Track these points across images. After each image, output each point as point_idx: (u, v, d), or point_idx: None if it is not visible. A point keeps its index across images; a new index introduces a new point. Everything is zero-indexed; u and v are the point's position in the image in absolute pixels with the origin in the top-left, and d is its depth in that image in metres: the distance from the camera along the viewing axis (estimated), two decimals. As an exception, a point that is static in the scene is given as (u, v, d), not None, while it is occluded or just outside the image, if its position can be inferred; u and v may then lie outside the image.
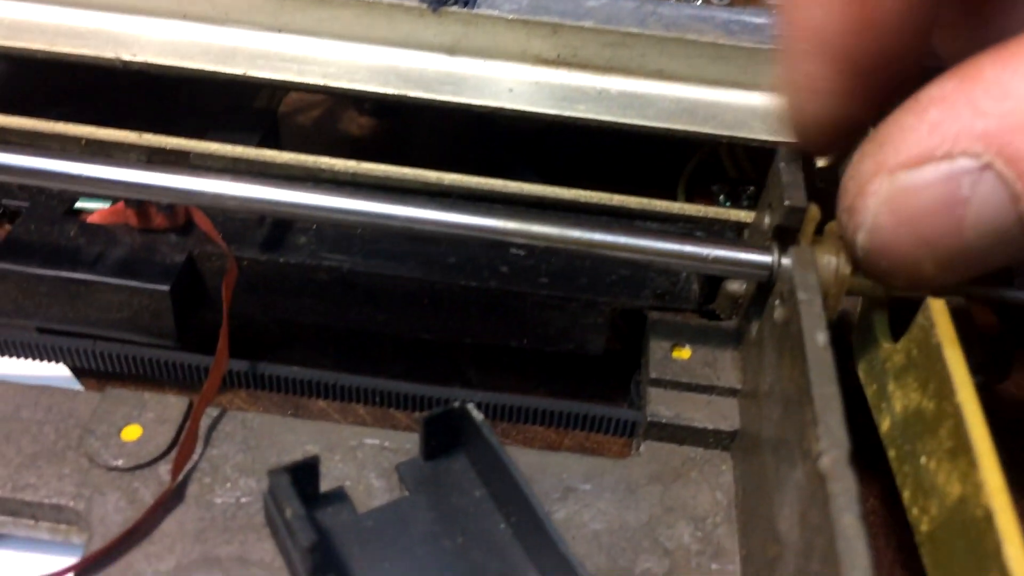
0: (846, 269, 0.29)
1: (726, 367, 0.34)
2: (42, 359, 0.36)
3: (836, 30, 0.26)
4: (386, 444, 0.32)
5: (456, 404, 0.30)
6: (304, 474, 0.28)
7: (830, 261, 0.29)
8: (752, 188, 0.42)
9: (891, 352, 0.30)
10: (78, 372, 0.38)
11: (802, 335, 0.26)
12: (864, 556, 0.21)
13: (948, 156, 0.24)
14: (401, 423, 0.38)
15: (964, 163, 0.24)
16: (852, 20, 0.26)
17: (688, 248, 0.31)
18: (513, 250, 0.37)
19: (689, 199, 0.44)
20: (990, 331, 0.35)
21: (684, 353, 0.34)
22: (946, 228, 0.25)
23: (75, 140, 0.35)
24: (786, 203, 0.29)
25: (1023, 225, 0.24)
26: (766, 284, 0.31)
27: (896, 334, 0.31)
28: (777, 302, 0.29)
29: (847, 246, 0.28)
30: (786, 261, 0.30)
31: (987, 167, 0.24)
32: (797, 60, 0.27)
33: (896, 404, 0.29)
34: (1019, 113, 0.23)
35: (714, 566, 0.30)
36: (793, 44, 0.27)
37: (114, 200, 0.36)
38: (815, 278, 0.28)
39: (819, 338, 0.26)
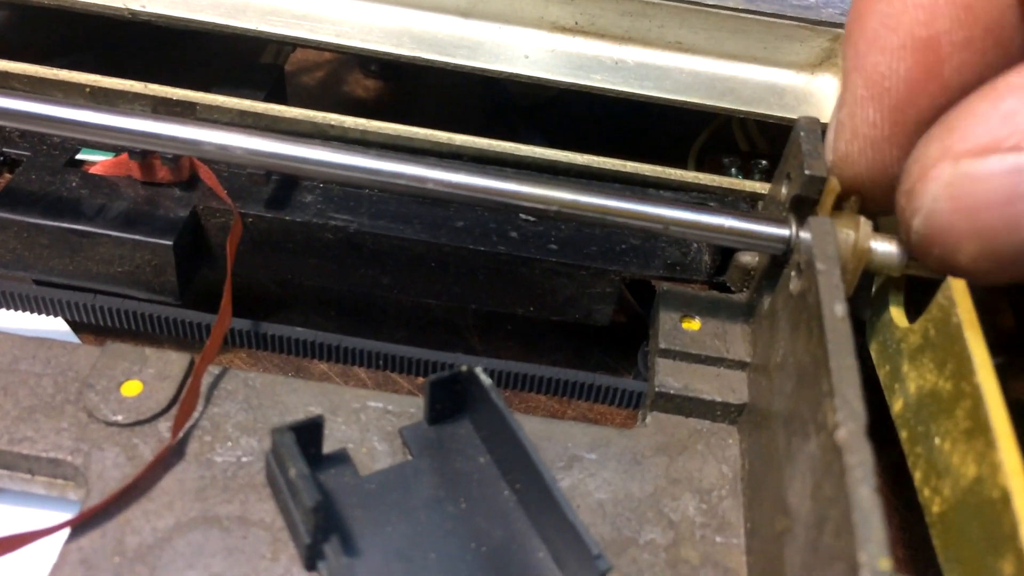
0: (865, 244, 0.29)
1: (736, 340, 0.33)
2: (39, 312, 0.35)
3: (899, 80, 0.26)
4: (389, 407, 0.31)
5: (463, 368, 0.29)
6: (308, 434, 0.28)
7: (849, 235, 0.28)
8: (764, 162, 0.42)
9: (906, 332, 0.30)
10: (76, 326, 0.37)
11: (820, 306, 0.26)
12: (879, 528, 0.21)
13: (1016, 148, 0.23)
14: (402, 388, 0.38)
15: None
16: (917, 72, 0.25)
17: (704, 218, 0.30)
18: (522, 216, 0.36)
19: (699, 171, 0.43)
20: (1008, 331, 0.35)
21: (694, 324, 0.34)
22: (1005, 222, 0.24)
23: (80, 89, 0.34)
24: (806, 172, 0.29)
25: None
26: (782, 256, 0.30)
27: (910, 317, 0.30)
28: (793, 273, 0.29)
29: (903, 229, 0.27)
30: (804, 233, 0.29)
31: None
32: (854, 104, 0.27)
33: (910, 385, 0.29)
34: None
35: (718, 539, 0.29)
36: (853, 88, 0.27)
37: (117, 151, 0.35)
38: (834, 248, 0.27)
39: (837, 309, 0.25)
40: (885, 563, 0.20)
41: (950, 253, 0.26)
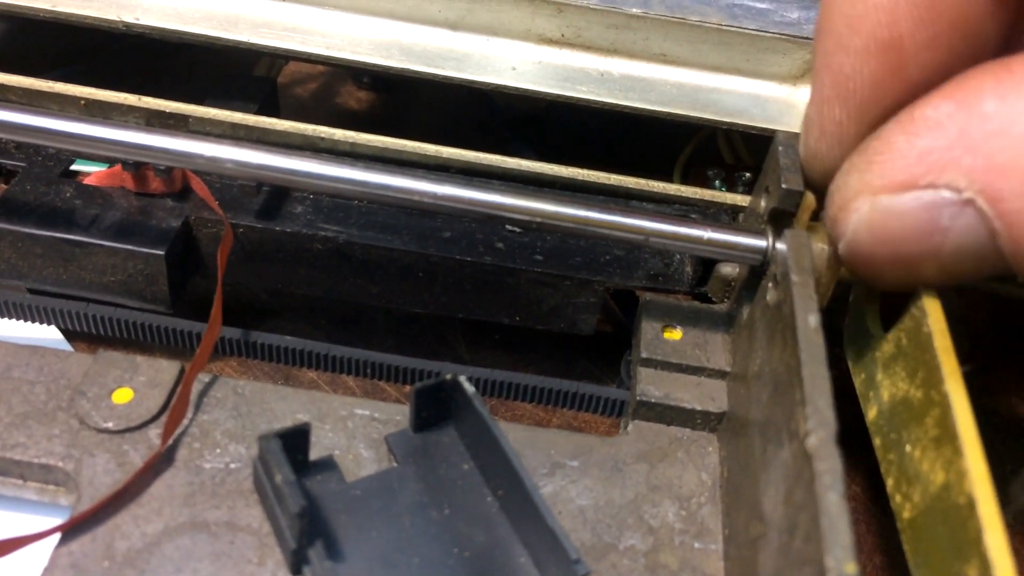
0: (837, 260, 0.29)
1: (716, 349, 0.34)
2: (33, 320, 0.36)
3: (863, 80, 0.26)
4: (376, 415, 0.32)
5: (448, 376, 0.30)
6: (294, 441, 0.28)
7: (824, 249, 0.29)
8: (748, 174, 0.42)
9: (881, 341, 0.30)
10: (69, 335, 0.38)
11: (794, 317, 0.26)
12: (846, 533, 0.21)
13: (932, 186, 0.24)
14: (390, 396, 0.39)
15: (947, 195, 0.24)
16: (881, 73, 0.26)
17: (684, 230, 0.31)
18: (508, 227, 0.37)
19: (684, 183, 0.44)
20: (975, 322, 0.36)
21: (675, 334, 0.34)
22: (923, 251, 0.25)
23: (75, 101, 0.35)
24: (783, 186, 0.29)
25: (999, 255, 0.24)
26: (759, 267, 0.31)
27: (886, 325, 0.31)
28: (770, 285, 0.29)
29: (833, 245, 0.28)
30: (780, 245, 0.30)
31: (969, 202, 0.24)
32: (821, 102, 0.27)
33: (883, 393, 0.29)
34: (1009, 152, 0.23)
35: (697, 545, 0.30)
36: (820, 86, 0.27)
37: (111, 163, 0.36)
38: (809, 261, 0.28)
39: (810, 320, 0.26)
40: (851, 567, 0.21)
41: (875, 276, 0.27)
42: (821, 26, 0.27)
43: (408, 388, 0.37)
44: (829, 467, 0.23)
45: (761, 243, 0.30)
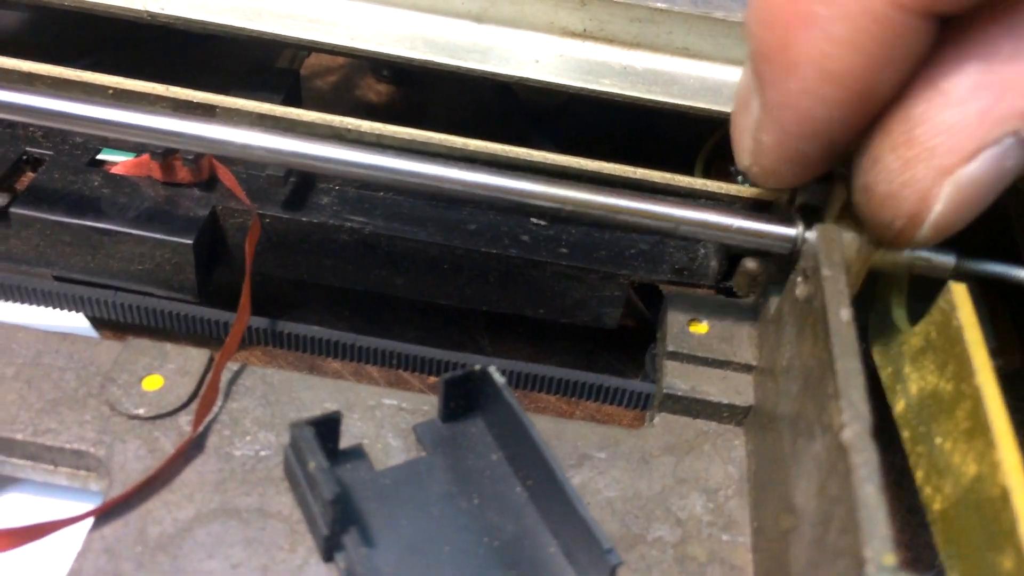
0: (868, 249, 0.29)
1: (743, 343, 0.34)
2: (61, 308, 0.36)
3: (835, 123, 0.26)
4: (403, 405, 0.32)
5: (477, 367, 0.30)
6: (326, 429, 0.28)
7: (854, 239, 0.29)
8: (770, 170, 0.42)
9: (908, 335, 0.30)
10: (95, 322, 0.38)
11: (826, 311, 0.26)
12: (884, 525, 0.22)
13: (997, 141, 0.25)
14: (414, 387, 0.39)
15: (1010, 140, 0.25)
16: (853, 116, 0.26)
17: (714, 218, 0.31)
18: (534, 220, 0.37)
19: (706, 178, 0.44)
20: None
21: (701, 328, 0.34)
22: (995, 194, 0.26)
23: (102, 90, 0.35)
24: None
25: None
26: (787, 260, 0.31)
27: (912, 318, 0.31)
28: (799, 279, 0.29)
29: (888, 237, 0.28)
30: (810, 236, 0.30)
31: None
32: (783, 136, 0.28)
33: (912, 386, 0.29)
34: None
35: (725, 537, 0.30)
36: (780, 122, 0.27)
37: (138, 151, 0.36)
38: (840, 255, 0.28)
39: (842, 314, 0.26)
40: (890, 558, 0.21)
41: (944, 235, 0.28)
42: (772, 57, 0.27)
43: (432, 379, 0.38)
44: (865, 459, 0.23)
45: (791, 232, 0.30)
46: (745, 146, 0.29)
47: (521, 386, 0.36)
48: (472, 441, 0.31)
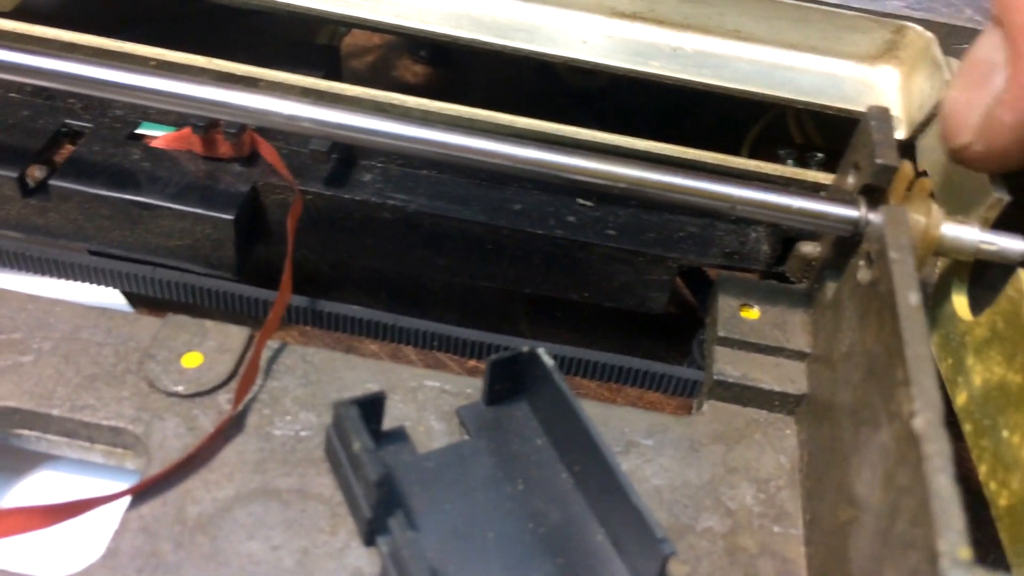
0: (936, 229, 0.28)
1: (795, 330, 0.33)
2: (99, 283, 0.35)
3: None
4: (446, 387, 0.31)
5: (524, 349, 0.29)
6: (370, 409, 0.28)
7: (919, 221, 0.28)
8: (820, 155, 0.41)
9: (971, 325, 0.29)
10: (132, 298, 0.37)
11: (893, 295, 0.25)
12: (959, 517, 0.21)
13: None
14: (452, 370, 0.38)
15: None
16: None
17: (772, 197, 0.30)
18: (580, 201, 0.36)
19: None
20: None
21: (753, 313, 0.33)
22: None
23: (145, 62, 0.34)
24: (878, 161, 0.28)
25: None
26: (845, 244, 0.30)
27: (974, 308, 0.30)
28: (862, 263, 0.28)
29: None
30: (873, 218, 0.29)
31: None
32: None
33: (975, 378, 0.28)
34: None
35: (776, 529, 0.29)
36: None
37: (180, 124, 0.36)
38: (908, 238, 0.27)
39: (911, 298, 0.25)
40: (965, 552, 0.20)
41: None
42: None
43: (472, 362, 0.37)
44: (938, 449, 0.22)
45: (853, 213, 0.29)
46: (970, 122, 0.28)
47: (562, 370, 0.35)
48: (517, 425, 0.30)
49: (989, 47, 0.27)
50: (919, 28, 0.36)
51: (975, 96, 0.27)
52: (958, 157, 0.29)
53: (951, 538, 0.20)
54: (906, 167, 0.28)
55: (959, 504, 0.21)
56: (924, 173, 0.31)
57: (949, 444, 0.22)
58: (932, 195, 0.29)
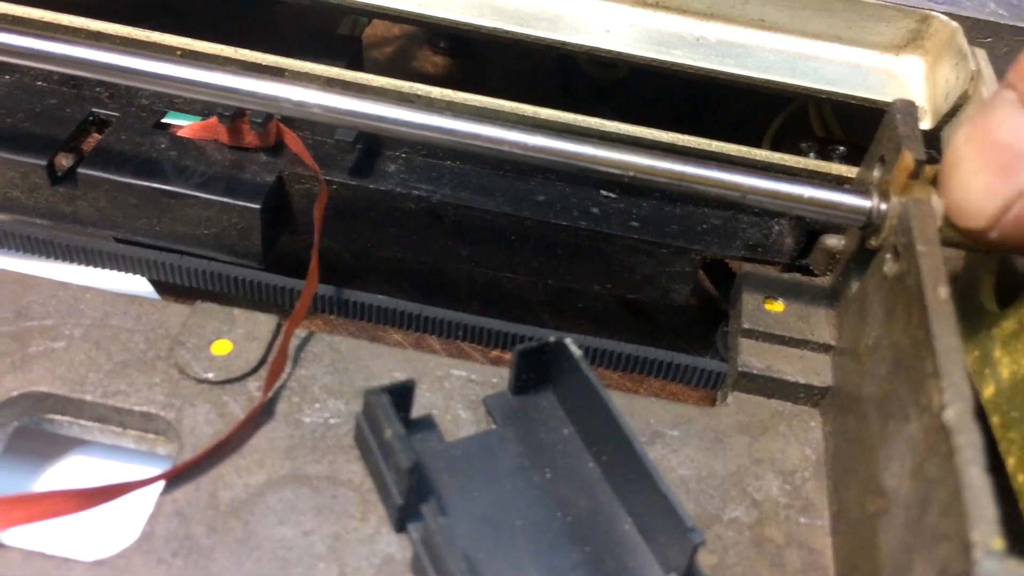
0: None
1: (820, 323, 0.33)
2: (126, 271, 0.36)
3: None
4: (473, 376, 0.32)
5: (551, 338, 0.30)
6: (400, 397, 0.28)
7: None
8: (842, 148, 0.41)
9: (999, 317, 0.29)
10: (158, 286, 0.38)
11: (921, 288, 0.25)
12: (991, 508, 0.21)
13: None
14: (475, 360, 0.38)
15: None
16: None
17: (783, 187, 0.30)
18: (604, 192, 0.36)
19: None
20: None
21: (777, 306, 0.33)
22: None
23: (171, 51, 0.34)
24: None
25: None
26: (867, 230, 0.30)
27: (1001, 301, 0.30)
28: (888, 256, 0.29)
29: None
30: (885, 208, 0.29)
31: None
32: None
33: (1003, 370, 0.28)
34: None
35: (803, 520, 0.29)
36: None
37: (206, 114, 0.36)
38: (935, 231, 0.27)
39: (940, 291, 0.25)
40: (998, 542, 0.20)
41: None
42: None
43: (494, 352, 0.37)
44: (969, 440, 0.22)
45: (866, 203, 0.29)
46: (988, 210, 0.26)
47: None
48: (543, 414, 0.30)
49: (1014, 133, 0.26)
50: (944, 17, 0.37)
51: (996, 185, 0.26)
52: (968, 237, 0.28)
53: (984, 528, 0.20)
54: (907, 157, 0.28)
55: (991, 495, 0.21)
56: (928, 161, 0.31)
57: (980, 435, 0.22)
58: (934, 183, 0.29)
